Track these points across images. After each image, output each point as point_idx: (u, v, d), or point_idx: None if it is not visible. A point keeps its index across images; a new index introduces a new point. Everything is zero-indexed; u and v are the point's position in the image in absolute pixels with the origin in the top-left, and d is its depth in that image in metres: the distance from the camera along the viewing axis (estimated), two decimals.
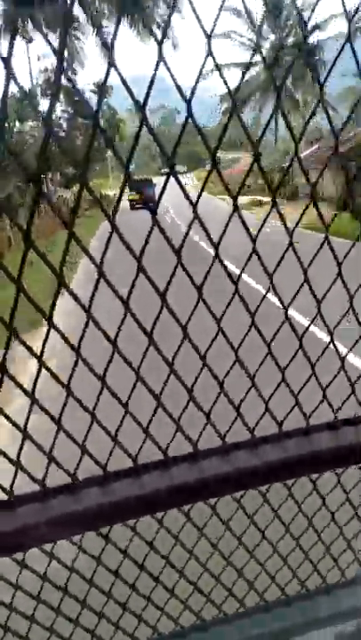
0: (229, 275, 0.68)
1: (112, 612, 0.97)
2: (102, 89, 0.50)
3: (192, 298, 0.69)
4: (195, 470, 0.79)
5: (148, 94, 0.51)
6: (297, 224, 0.69)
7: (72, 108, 32.99)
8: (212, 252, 0.65)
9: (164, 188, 0.61)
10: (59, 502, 0.74)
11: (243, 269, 0.67)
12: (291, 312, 0.77)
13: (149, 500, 0.77)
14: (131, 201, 27.10)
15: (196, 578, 1.01)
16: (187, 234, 0.61)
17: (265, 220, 0.67)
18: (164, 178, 0.59)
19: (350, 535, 1.11)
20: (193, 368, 0.76)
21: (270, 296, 0.76)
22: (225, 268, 0.66)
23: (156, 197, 0.63)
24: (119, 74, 0.49)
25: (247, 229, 0.65)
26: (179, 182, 0.59)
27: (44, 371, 0.65)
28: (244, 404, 0.81)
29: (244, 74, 0.57)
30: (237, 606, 1.11)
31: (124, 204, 25.17)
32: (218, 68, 0.52)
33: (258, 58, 0.64)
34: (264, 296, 0.76)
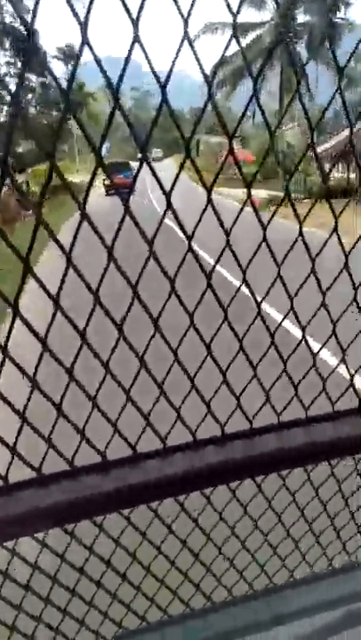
0: (202, 267, 0.67)
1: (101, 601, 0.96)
2: (75, 64, 0.47)
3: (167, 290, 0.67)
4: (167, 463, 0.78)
5: (122, 75, 0.49)
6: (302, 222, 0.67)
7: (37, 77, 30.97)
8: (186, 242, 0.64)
9: (136, 175, 0.59)
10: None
11: (217, 261, 0.65)
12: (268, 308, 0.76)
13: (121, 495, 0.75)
14: (107, 186, 24.29)
15: (187, 566, 1.01)
16: (160, 224, 0.60)
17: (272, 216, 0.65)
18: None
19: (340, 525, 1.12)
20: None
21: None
22: (196, 258, 0.65)
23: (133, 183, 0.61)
24: (93, 52, 0.47)
25: (221, 224, 0.64)
26: (152, 169, 0.57)
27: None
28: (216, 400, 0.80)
29: (238, 39, 0.52)
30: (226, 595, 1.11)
31: (100, 189, 24.08)
32: (194, 51, 0.50)
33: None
34: (238, 289, 0.75)
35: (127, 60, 0.47)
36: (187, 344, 0.73)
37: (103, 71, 0.48)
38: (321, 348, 0.84)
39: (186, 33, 0.51)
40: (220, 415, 0.80)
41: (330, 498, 1.08)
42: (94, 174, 0.56)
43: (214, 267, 0.67)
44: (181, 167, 0.57)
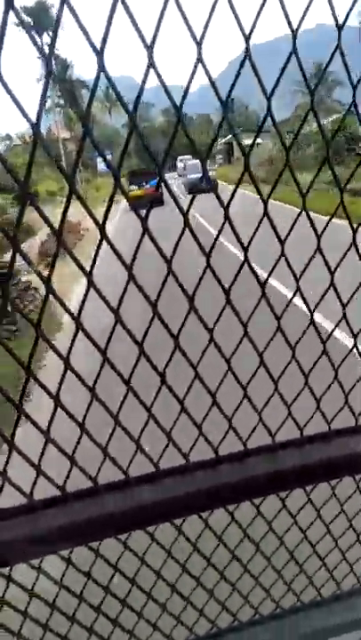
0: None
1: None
2: (93, 91, 0.48)
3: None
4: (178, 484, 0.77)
5: (137, 101, 0.50)
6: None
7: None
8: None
9: (161, 185, 0.59)
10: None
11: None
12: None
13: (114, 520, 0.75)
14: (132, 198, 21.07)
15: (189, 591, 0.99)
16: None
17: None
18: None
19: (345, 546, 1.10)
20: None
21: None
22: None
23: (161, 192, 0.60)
24: (108, 77, 0.48)
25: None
26: (167, 187, 0.57)
27: None
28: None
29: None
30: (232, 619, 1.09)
31: (121, 201, 22.38)
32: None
33: None
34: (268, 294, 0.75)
35: (141, 88, 0.48)
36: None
37: (120, 98, 0.49)
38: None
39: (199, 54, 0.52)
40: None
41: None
42: (113, 195, 0.56)
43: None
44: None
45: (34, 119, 0.47)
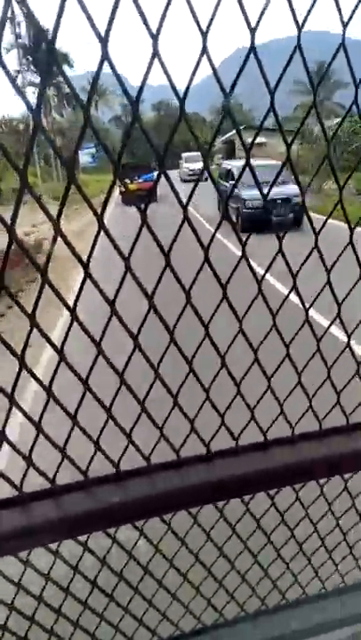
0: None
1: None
2: (94, 84, 0.48)
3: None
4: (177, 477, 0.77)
5: (140, 91, 0.49)
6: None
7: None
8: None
9: (156, 182, 0.59)
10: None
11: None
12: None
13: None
14: (125, 192, 19.38)
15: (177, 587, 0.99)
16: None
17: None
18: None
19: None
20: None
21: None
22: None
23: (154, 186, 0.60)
24: (112, 66, 0.47)
25: None
26: (168, 180, 0.57)
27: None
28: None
29: None
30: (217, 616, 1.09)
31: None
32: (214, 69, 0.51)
33: None
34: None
35: (145, 78, 0.48)
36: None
37: (124, 88, 0.49)
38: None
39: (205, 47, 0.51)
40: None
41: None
42: (113, 184, 0.55)
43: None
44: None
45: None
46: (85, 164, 40.04)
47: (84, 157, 41.33)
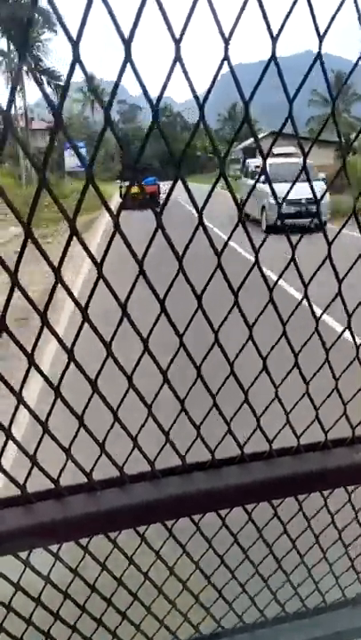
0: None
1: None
2: (67, 83, 0.47)
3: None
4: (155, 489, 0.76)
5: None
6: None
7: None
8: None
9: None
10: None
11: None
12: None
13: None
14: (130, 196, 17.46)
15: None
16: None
17: None
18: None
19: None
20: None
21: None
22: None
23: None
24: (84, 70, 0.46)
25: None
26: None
27: None
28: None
29: None
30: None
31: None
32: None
33: None
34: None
35: (116, 84, 0.47)
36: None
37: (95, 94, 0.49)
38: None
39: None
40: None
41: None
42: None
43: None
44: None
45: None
46: (74, 168, 31.65)
47: (72, 159, 32.31)
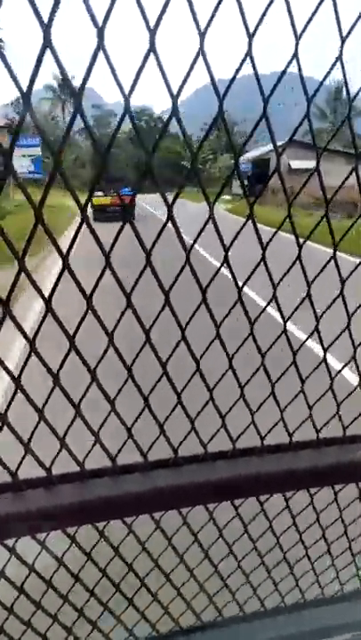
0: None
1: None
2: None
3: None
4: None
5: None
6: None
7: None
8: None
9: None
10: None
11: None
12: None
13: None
14: (98, 207, 15.43)
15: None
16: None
17: None
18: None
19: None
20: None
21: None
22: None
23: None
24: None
25: None
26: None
27: None
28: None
29: None
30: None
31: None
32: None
33: None
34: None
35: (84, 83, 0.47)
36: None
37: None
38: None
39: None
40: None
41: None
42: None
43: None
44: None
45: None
46: (24, 174, 25.00)
47: (22, 161, 25.52)
